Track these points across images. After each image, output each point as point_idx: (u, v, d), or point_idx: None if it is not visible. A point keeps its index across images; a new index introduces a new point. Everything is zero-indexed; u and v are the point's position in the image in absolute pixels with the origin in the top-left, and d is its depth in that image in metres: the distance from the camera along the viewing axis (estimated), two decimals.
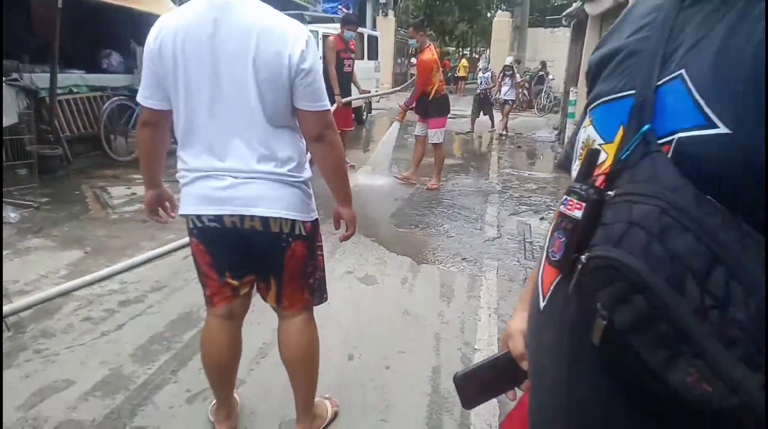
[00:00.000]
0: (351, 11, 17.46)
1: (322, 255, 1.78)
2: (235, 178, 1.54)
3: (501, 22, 18.92)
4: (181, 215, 1.65)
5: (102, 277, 3.07)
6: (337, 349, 2.46)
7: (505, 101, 10.89)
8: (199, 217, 1.59)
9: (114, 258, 3.36)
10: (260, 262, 1.68)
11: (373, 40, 11.49)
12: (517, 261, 3.76)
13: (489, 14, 30.01)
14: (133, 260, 3.29)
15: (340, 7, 16.33)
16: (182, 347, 2.45)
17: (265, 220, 1.57)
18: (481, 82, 10.49)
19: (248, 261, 1.67)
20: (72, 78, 5.81)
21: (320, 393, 1.94)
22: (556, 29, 16.58)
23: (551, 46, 15.84)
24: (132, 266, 3.25)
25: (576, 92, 7.18)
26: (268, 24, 1.46)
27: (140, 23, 7.26)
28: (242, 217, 1.56)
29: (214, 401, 1.94)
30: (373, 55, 11.22)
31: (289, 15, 1.54)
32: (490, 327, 2.76)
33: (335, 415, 2.01)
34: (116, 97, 5.85)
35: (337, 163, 1.67)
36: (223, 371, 1.83)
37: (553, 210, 5.16)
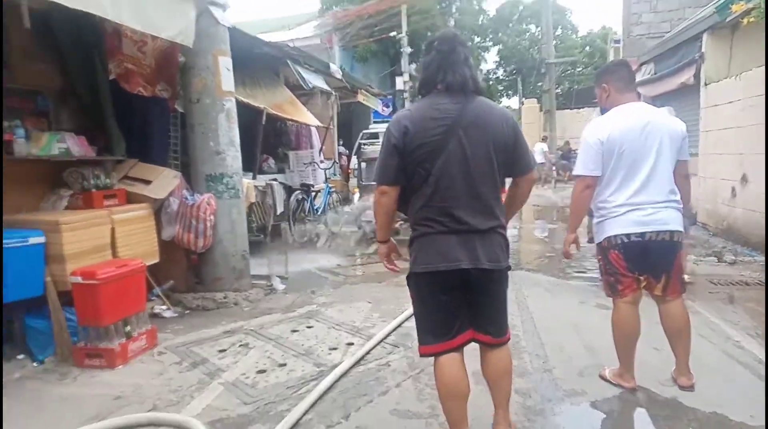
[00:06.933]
0: (390, 108, 19.46)
1: None
2: (653, 207, 2.63)
3: (530, 107, 21.60)
4: (608, 237, 2.72)
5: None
6: None
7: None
8: (627, 235, 2.65)
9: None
10: (658, 262, 2.68)
11: None
12: None
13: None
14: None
15: (381, 106, 18.27)
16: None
17: (671, 233, 2.65)
18: None
19: (648, 263, 2.69)
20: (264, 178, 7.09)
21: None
22: (581, 109, 18.76)
23: (577, 125, 17.73)
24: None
25: None
26: (669, 120, 2.72)
27: (282, 133, 8.73)
28: (659, 232, 2.61)
29: (613, 368, 2.85)
30: None
31: None
32: None
33: None
34: (297, 191, 7.07)
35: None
36: (634, 340, 2.74)
37: None
